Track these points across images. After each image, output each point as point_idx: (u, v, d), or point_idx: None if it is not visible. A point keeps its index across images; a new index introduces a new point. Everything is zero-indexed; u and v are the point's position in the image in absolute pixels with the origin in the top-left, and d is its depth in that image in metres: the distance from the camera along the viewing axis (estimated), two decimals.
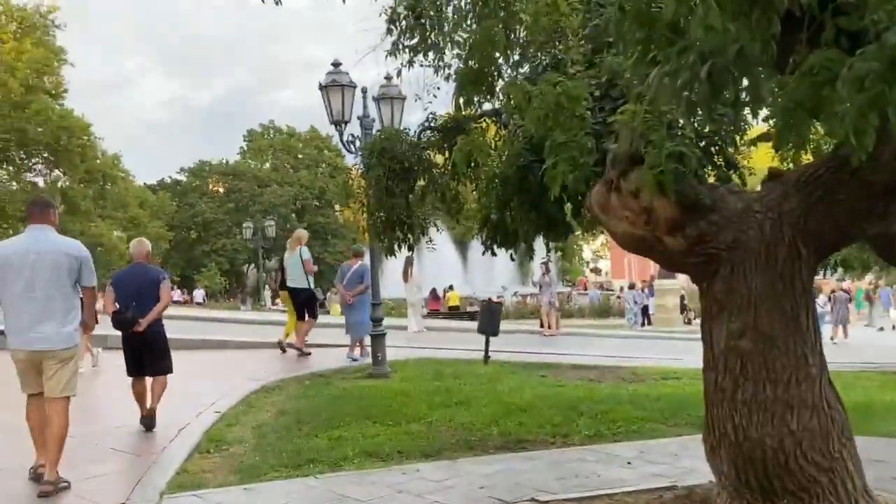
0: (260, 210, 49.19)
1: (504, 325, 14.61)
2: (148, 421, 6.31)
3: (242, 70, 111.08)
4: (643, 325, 22.43)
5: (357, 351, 10.63)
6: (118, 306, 6.34)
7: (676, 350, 14.70)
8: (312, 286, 10.85)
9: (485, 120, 6.79)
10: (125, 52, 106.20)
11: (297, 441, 5.85)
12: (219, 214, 51.77)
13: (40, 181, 37.81)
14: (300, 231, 12.09)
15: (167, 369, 6.47)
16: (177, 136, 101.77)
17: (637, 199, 3.50)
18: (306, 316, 10.91)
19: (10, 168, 36.99)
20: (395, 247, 6.92)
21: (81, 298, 5.00)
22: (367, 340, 10.10)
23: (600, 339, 17.39)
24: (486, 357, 10.24)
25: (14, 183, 36.64)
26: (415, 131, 6.47)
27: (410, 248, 6.86)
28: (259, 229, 37.64)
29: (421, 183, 6.32)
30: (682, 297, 22.92)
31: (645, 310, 23.07)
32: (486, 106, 5.71)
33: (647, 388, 8.64)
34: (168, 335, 6.62)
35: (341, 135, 9.15)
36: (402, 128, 6.50)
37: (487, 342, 10.34)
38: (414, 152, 6.19)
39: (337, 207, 61.57)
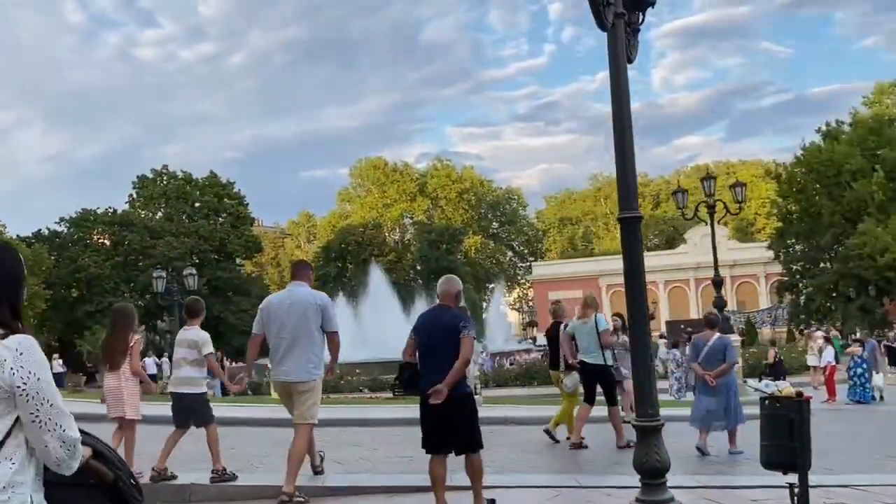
0: (152, 264, 42.96)
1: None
2: None
3: (130, 124, 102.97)
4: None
5: (730, 443, 8.54)
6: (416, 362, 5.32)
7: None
8: (609, 362, 8.94)
9: None
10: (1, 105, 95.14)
11: None
12: (105, 269, 45.06)
13: None
14: (591, 294, 9.83)
15: (478, 443, 5.25)
16: (58, 192, 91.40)
17: None
18: (617, 398, 9.21)
19: None
20: None
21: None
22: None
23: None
24: None
25: None
26: None
27: None
28: (174, 280, 28.46)
29: None
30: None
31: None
32: None
33: None
34: None
35: None
36: None
37: (805, 484, 4.87)
38: None
39: (238, 261, 55.63)
